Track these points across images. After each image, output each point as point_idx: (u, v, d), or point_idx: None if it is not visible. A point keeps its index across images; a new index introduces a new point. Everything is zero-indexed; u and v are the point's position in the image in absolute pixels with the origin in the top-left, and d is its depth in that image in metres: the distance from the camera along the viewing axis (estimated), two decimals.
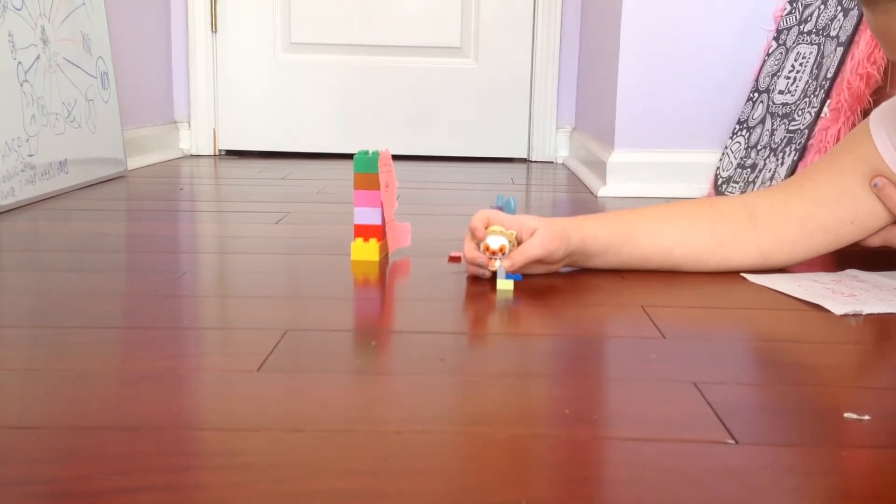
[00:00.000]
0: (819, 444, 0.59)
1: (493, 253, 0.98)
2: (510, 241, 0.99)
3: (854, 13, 1.48)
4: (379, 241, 1.13)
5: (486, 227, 1.00)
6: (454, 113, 2.58)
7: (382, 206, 1.12)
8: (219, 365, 0.73)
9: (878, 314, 0.89)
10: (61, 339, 0.79)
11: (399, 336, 0.82)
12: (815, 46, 1.59)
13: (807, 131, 1.50)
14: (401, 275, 1.09)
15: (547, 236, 1.00)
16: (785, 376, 0.73)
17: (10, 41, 1.55)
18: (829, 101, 1.48)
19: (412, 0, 2.55)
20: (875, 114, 1.05)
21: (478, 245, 1.00)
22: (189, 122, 2.57)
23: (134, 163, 2.15)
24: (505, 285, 0.99)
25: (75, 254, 1.17)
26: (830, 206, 1.04)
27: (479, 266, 1.00)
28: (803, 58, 1.62)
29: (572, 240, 1.02)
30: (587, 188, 1.97)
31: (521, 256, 0.98)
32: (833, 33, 1.53)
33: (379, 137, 2.54)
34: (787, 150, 1.54)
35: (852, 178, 1.03)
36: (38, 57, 1.66)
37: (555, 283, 1.07)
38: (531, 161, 2.58)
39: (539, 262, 1.01)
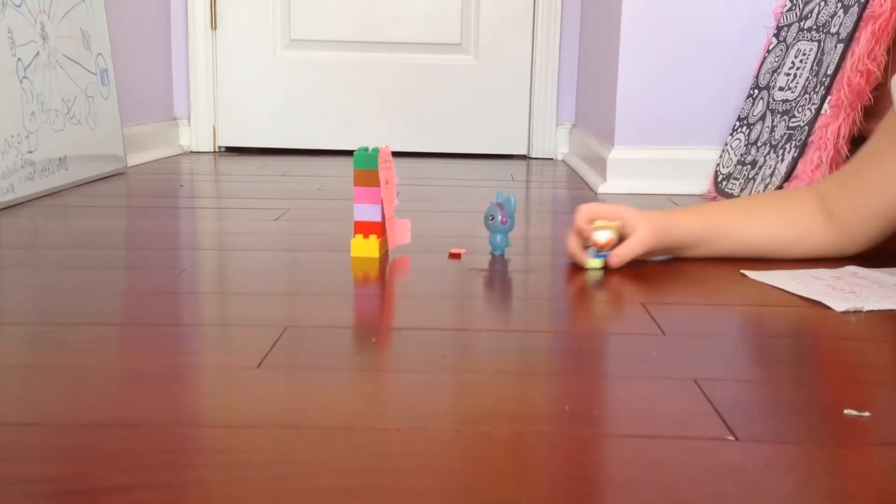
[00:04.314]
0: (819, 441, 0.58)
1: (601, 247, 1.06)
2: (615, 232, 1.06)
3: (854, 10, 1.48)
4: (379, 237, 1.13)
5: (591, 222, 1.07)
6: (454, 109, 2.58)
7: (382, 203, 1.12)
8: (218, 362, 0.73)
9: (879, 311, 0.89)
10: (61, 336, 0.79)
11: (399, 333, 0.82)
12: (816, 43, 1.59)
13: (807, 128, 1.50)
14: (400, 271, 1.08)
15: (646, 233, 1.07)
16: (785, 373, 0.73)
17: (9, 38, 1.55)
18: (829, 98, 1.48)
19: None
20: None
21: (584, 241, 1.08)
22: (189, 119, 2.57)
23: (134, 159, 2.15)
24: (594, 264, 1.07)
25: (75, 250, 1.17)
26: (889, 184, 1.07)
27: (579, 262, 1.09)
28: (803, 54, 1.62)
29: (669, 235, 1.10)
30: (587, 185, 1.97)
31: (626, 255, 1.06)
32: (833, 30, 1.53)
33: (379, 134, 2.54)
34: (788, 146, 1.53)
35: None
36: (37, 53, 1.66)
37: (554, 280, 1.07)
38: (531, 158, 2.58)
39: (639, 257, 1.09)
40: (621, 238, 1.08)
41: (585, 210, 1.09)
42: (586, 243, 1.08)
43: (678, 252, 1.13)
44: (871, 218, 1.09)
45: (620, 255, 1.06)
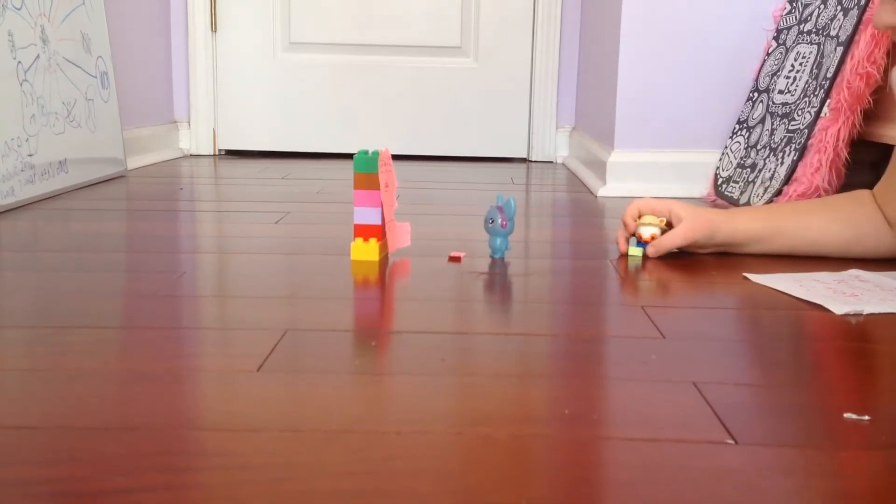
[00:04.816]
0: (819, 445, 0.58)
1: (646, 241, 1.14)
2: (660, 228, 1.15)
3: (854, 13, 1.48)
4: (379, 240, 1.13)
5: (639, 218, 1.15)
6: (454, 112, 2.58)
7: (382, 206, 1.12)
8: (218, 365, 0.73)
9: (879, 314, 0.89)
10: (61, 339, 0.79)
11: (399, 336, 0.82)
12: (815, 46, 1.59)
13: (806, 131, 1.50)
14: (400, 275, 1.09)
15: (689, 227, 1.13)
16: (785, 377, 0.73)
17: (9, 41, 1.55)
18: (828, 101, 1.48)
19: None
20: None
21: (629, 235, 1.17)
22: (189, 122, 2.57)
23: (134, 162, 2.15)
24: (635, 252, 1.15)
25: (75, 254, 1.17)
26: None
27: (621, 250, 1.18)
28: (803, 57, 1.62)
29: (721, 232, 1.14)
30: (587, 188, 1.97)
31: (664, 244, 1.13)
32: (833, 33, 1.53)
33: (379, 137, 2.54)
34: (787, 149, 1.54)
35: None
36: (37, 56, 1.66)
37: (554, 283, 1.07)
38: (531, 161, 2.58)
39: (684, 248, 1.15)
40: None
41: (634, 206, 1.16)
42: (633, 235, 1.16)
43: (736, 249, 1.17)
44: None
45: (657, 245, 1.13)
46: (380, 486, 0.51)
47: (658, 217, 1.16)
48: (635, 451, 0.56)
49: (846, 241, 1.15)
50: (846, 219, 1.15)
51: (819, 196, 1.45)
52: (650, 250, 1.14)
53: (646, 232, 1.15)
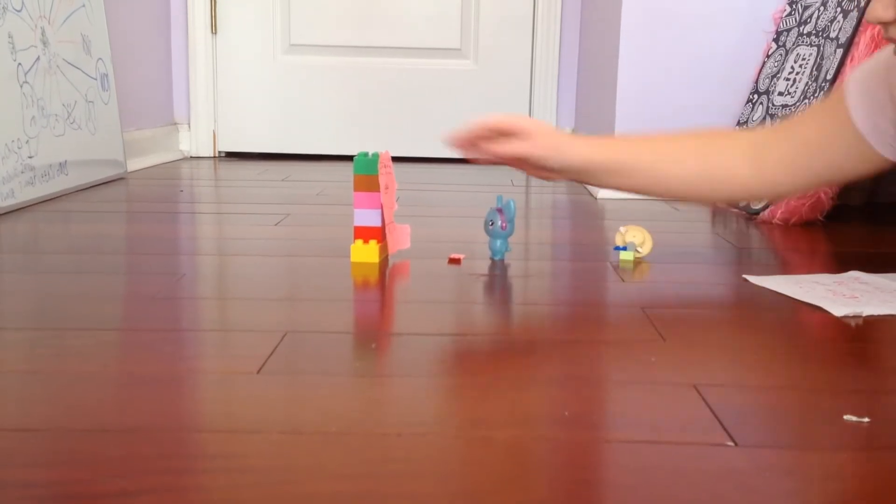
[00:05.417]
0: (819, 447, 0.58)
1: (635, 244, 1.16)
2: (643, 233, 1.16)
3: (854, 14, 1.48)
4: (379, 242, 1.13)
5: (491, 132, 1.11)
6: (454, 114, 2.58)
7: (382, 208, 1.12)
8: (218, 367, 0.73)
9: (879, 316, 0.89)
10: (61, 341, 0.79)
11: (399, 338, 0.82)
12: (815, 48, 1.59)
13: None
14: (400, 277, 1.09)
15: (534, 143, 1.08)
16: (785, 378, 0.73)
17: (10, 42, 1.55)
18: None
19: (412, 2, 2.55)
20: (852, 76, 1.07)
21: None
22: (189, 124, 2.57)
23: (134, 164, 2.15)
24: (626, 256, 1.16)
25: (75, 256, 1.17)
26: (813, 150, 1.07)
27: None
28: (803, 59, 1.62)
29: (565, 156, 1.09)
30: (587, 190, 1.97)
31: (506, 148, 1.09)
32: (833, 35, 1.53)
33: (378, 139, 2.54)
34: None
35: (830, 123, 1.06)
36: (37, 58, 1.66)
37: (554, 285, 1.07)
38: None
39: (529, 164, 1.11)
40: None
41: (488, 121, 1.12)
42: (621, 239, 1.16)
43: (587, 180, 1.16)
44: (800, 172, 1.09)
45: (497, 150, 1.10)
46: (380, 488, 0.51)
47: (639, 231, 1.16)
48: (635, 454, 0.57)
49: (698, 191, 1.12)
50: (703, 165, 1.10)
51: (817, 198, 1.45)
52: (494, 149, 1.11)
53: (636, 238, 1.16)
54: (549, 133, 1.12)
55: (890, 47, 0.97)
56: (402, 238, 1.18)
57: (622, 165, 1.11)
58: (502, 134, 1.10)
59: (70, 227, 1.40)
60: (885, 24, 0.90)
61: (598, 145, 1.12)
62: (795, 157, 1.08)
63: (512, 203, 1.15)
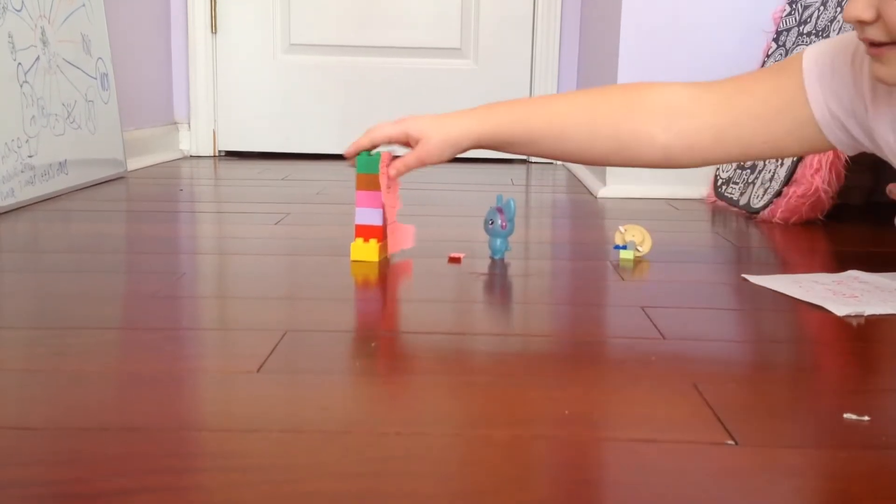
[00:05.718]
0: (819, 446, 0.58)
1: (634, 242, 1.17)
2: (642, 232, 1.16)
3: None
4: (379, 241, 1.13)
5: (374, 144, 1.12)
6: None
7: (384, 207, 1.12)
8: (218, 366, 0.73)
9: (880, 315, 0.89)
10: (61, 340, 0.79)
11: (399, 337, 0.82)
12: None
13: None
14: (401, 275, 1.09)
15: (426, 149, 1.09)
16: (785, 377, 0.73)
17: (10, 42, 1.55)
18: None
19: (412, 2, 2.55)
20: (811, 56, 1.00)
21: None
22: (189, 123, 2.57)
23: (134, 164, 2.15)
24: (626, 255, 1.15)
25: (75, 255, 1.17)
26: (753, 123, 1.02)
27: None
28: None
29: (461, 146, 1.11)
30: (587, 189, 1.97)
31: (402, 166, 1.11)
32: (833, 35, 1.53)
33: None
34: None
35: (778, 99, 1.00)
36: (37, 58, 1.66)
37: (554, 284, 1.07)
38: (531, 162, 2.58)
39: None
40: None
41: (371, 132, 1.13)
42: (620, 238, 1.16)
43: (495, 150, 1.14)
44: (730, 143, 1.03)
45: (398, 167, 1.11)
46: (380, 487, 0.51)
47: (638, 229, 1.16)
48: (635, 452, 0.56)
49: (608, 155, 1.08)
50: (610, 132, 1.06)
51: (817, 197, 1.45)
52: (392, 172, 1.11)
53: (636, 237, 1.16)
54: (435, 129, 1.11)
55: (853, 33, 0.93)
56: (405, 237, 1.18)
57: (521, 137, 1.10)
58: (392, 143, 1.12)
59: (70, 227, 1.40)
60: (863, 24, 0.86)
61: (496, 123, 1.11)
62: (730, 128, 1.02)
63: (512, 202, 1.15)
